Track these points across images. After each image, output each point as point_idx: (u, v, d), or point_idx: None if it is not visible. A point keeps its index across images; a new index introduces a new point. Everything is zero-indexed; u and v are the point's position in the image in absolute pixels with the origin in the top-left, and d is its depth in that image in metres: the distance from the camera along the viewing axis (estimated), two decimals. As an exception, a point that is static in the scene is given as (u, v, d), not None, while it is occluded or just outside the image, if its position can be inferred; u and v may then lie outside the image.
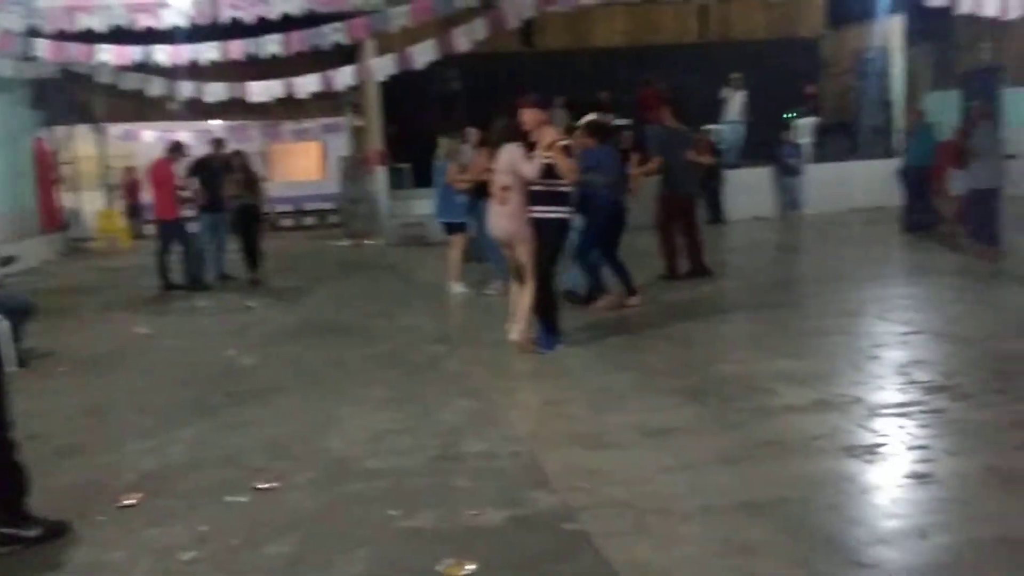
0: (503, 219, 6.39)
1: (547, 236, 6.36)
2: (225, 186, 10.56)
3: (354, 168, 15.79)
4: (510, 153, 6.31)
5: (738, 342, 6.57)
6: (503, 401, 5.46)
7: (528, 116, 6.38)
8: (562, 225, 6.48)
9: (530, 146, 6.26)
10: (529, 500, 3.87)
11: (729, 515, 3.61)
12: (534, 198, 6.32)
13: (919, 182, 11.72)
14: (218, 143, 11.30)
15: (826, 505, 3.68)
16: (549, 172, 6.25)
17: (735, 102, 15.31)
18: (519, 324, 6.42)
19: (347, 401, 5.60)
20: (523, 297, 6.41)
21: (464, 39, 12.58)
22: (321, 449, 4.70)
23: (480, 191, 8.56)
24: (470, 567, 3.27)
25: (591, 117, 8.09)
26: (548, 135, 6.29)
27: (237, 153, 11.34)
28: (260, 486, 4.18)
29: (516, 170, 6.25)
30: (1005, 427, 4.44)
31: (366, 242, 14.65)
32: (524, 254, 6.35)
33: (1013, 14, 13.35)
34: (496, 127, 6.75)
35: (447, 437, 4.76)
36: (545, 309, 6.46)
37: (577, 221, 7.66)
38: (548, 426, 5.05)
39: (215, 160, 10.91)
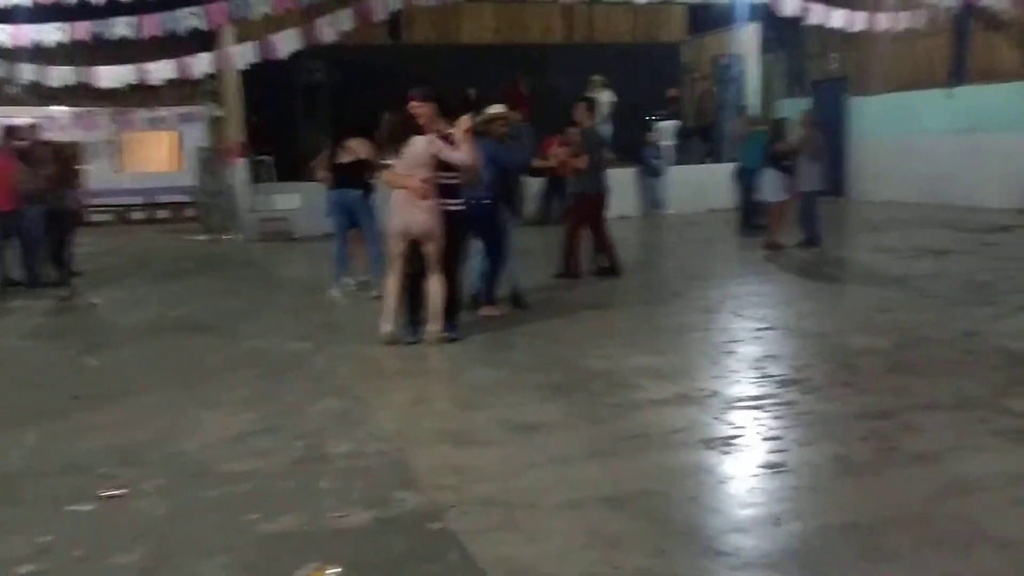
0: (422, 213, 6.23)
1: (454, 229, 6.38)
2: (29, 180, 9.58)
3: (212, 159, 15.21)
4: (427, 145, 6.20)
5: (605, 338, 6.68)
6: (370, 400, 5.36)
7: (421, 110, 6.31)
8: (461, 217, 6.47)
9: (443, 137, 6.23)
10: (396, 500, 3.80)
11: (595, 508, 3.65)
12: (440, 191, 6.27)
13: (751, 185, 12.29)
14: (27, 131, 10.42)
15: (686, 496, 3.77)
16: (447, 164, 6.22)
17: (601, 103, 15.62)
18: (434, 321, 6.34)
19: (204, 403, 5.36)
20: (436, 293, 6.32)
21: (329, 30, 12.31)
22: (175, 453, 4.47)
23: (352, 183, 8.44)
24: (334, 571, 3.17)
25: (495, 109, 7.76)
26: (461, 122, 6.28)
27: (46, 143, 10.48)
28: (106, 493, 3.93)
29: (442, 158, 6.18)
30: (851, 418, 4.68)
31: (224, 237, 14.14)
32: (434, 248, 6.27)
33: (858, 26, 14.18)
34: (389, 121, 6.56)
35: (311, 438, 4.62)
36: (450, 304, 6.43)
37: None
38: (416, 424, 4.98)
39: (32, 150, 10.06)
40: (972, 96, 14.63)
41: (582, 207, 9.06)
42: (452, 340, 6.42)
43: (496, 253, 7.43)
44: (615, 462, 4.17)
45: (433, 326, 6.36)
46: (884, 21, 14.11)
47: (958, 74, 14.98)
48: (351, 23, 12.30)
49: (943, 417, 4.60)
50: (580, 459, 4.21)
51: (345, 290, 8.64)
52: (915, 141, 15.65)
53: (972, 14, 14.13)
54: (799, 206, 10.66)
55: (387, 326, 6.40)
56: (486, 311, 7.40)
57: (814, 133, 10.75)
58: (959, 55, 14.94)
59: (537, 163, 8.66)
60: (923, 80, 15.64)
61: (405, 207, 6.25)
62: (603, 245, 9.23)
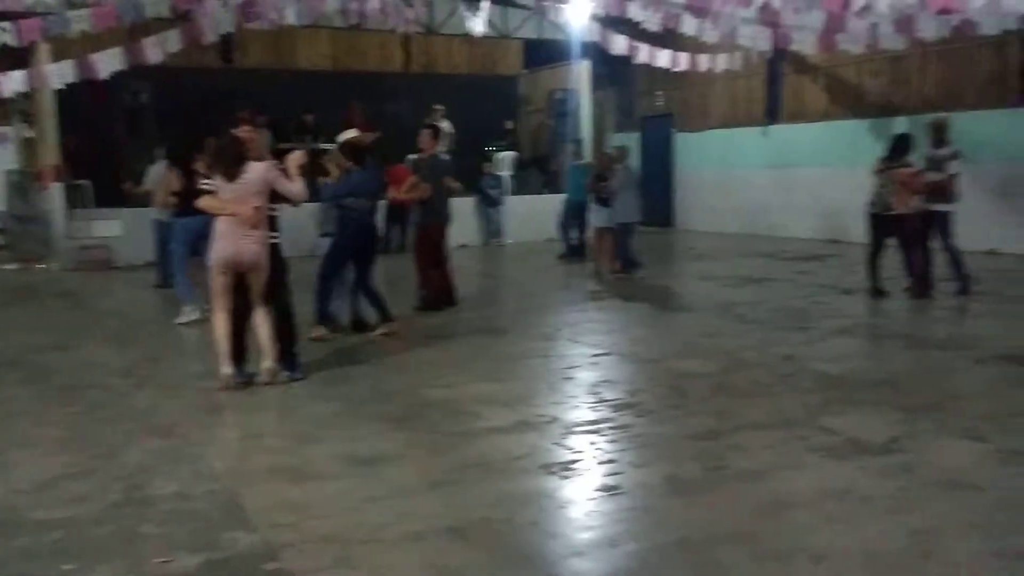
0: (253, 243, 5.90)
1: (279, 261, 6.15)
2: None
3: (23, 183, 14.19)
4: (265, 172, 5.95)
5: (444, 368, 6.66)
6: (198, 437, 5.10)
7: (250, 135, 6.10)
8: (281, 250, 6.26)
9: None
10: (227, 541, 3.61)
11: (436, 540, 3.61)
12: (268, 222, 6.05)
13: (576, 215, 12.71)
14: None
15: (527, 522, 3.79)
16: (275, 196, 6.02)
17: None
18: (266, 357, 6.04)
19: (13, 444, 4.94)
20: (263, 327, 6.03)
21: (156, 50, 11.77)
22: (-23, 501, 4.09)
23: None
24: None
25: (349, 135, 7.64)
26: (295, 156, 6.14)
27: None
28: None
29: (277, 189, 5.95)
30: (682, 439, 4.86)
31: (38, 266, 13.18)
32: (261, 280, 6.00)
33: (682, 66, 14.94)
34: (218, 145, 6.28)
35: (133, 479, 4.34)
36: (284, 338, 6.17)
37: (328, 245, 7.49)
38: (248, 461, 4.77)
39: None
40: (785, 134, 15.74)
41: (427, 236, 8.97)
42: (294, 380, 6.16)
43: (366, 278, 7.56)
44: (456, 492, 4.15)
45: (267, 363, 6.06)
46: (705, 62, 14.94)
47: (772, 113, 16.09)
48: (179, 44, 11.81)
49: (765, 436, 4.85)
50: (421, 490, 4.16)
51: (196, 316, 8.25)
52: (734, 175, 16.66)
53: (783, 59, 15.20)
54: (615, 236, 11.07)
55: (226, 369, 5.97)
56: (317, 333, 7.40)
57: (626, 168, 11.26)
58: (773, 96, 16.05)
59: (392, 193, 8.63)
60: (741, 118, 16.68)
61: (232, 236, 5.87)
62: (445, 275, 9.20)
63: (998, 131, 11.99)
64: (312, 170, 6.85)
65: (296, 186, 6.05)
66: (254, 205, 5.88)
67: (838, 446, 4.64)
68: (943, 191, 8.86)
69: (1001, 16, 10.09)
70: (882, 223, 9.00)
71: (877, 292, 9.05)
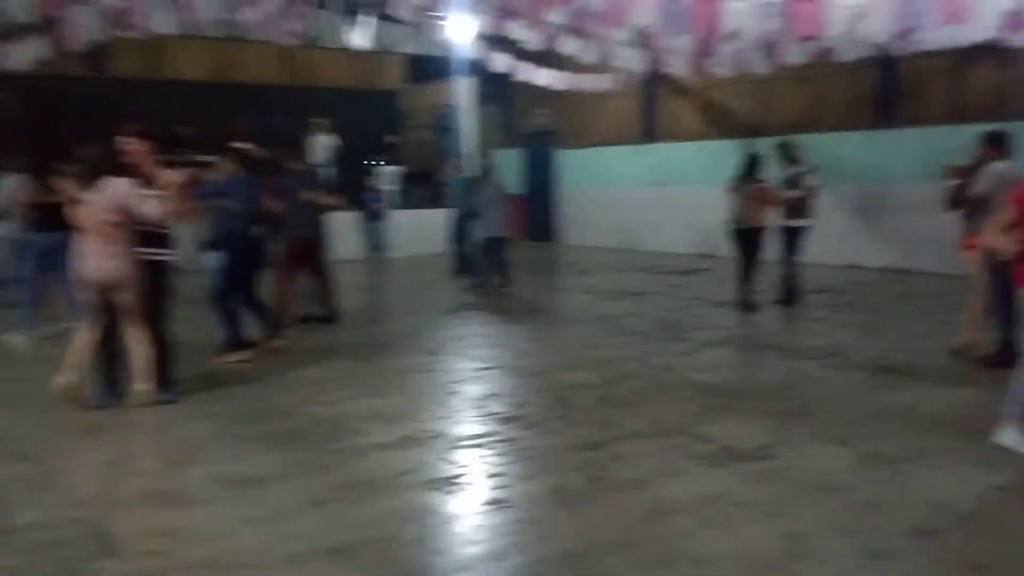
0: (106, 260, 5.62)
1: (156, 279, 5.85)
2: None
3: None
4: (120, 188, 5.66)
5: (326, 384, 6.54)
6: (60, 463, 4.84)
7: (134, 148, 5.83)
8: (167, 268, 5.99)
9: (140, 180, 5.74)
10: (94, 572, 3.44)
11: (318, 561, 3.53)
12: (141, 238, 5.75)
13: (461, 230, 12.76)
14: None
15: (412, 539, 3.77)
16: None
17: (320, 146, 15.50)
18: (143, 379, 5.74)
19: None
20: (135, 348, 5.74)
21: (19, 57, 11.17)
22: None
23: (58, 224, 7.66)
24: None
25: (241, 145, 7.48)
26: (167, 174, 5.86)
27: None
28: None
29: (131, 209, 5.65)
30: (566, 450, 4.93)
31: None
32: (129, 299, 5.71)
33: (562, 85, 15.22)
34: (91, 156, 5.97)
35: (-10, 509, 4.08)
36: (159, 359, 5.87)
37: (215, 260, 7.16)
38: (117, 486, 4.56)
39: None
40: (661, 153, 16.23)
41: (294, 251, 8.57)
42: (169, 402, 5.90)
43: (248, 288, 7.36)
44: (339, 511, 4.08)
45: (141, 385, 5.80)
46: (584, 81, 15.26)
47: (648, 132, 16.57)
48: (46, 51, 11.24)
49: (646, 445, 4.98)
50: (302, 511, 4.07)
51: (42, 338, 7.80)
52: (613, 192, 17.06)
53: (658, 80, 15.70)
54: (483, 251, 11.18)
55: (62, 378, 5.69)
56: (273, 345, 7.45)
57: (492, 184, 11.40)
58: (649, 116, 16.55)
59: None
60: (619, 137, 17.11)
61: (91, 253, 5.66)
62: (322, 290, 9.04)
63: (855, 152, 12.70)
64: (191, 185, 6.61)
65: (152, 209, 5.72)
66: (112, 221, 5.64)
67: (714, 453, 4.79)
68: (801, 207, 9.38)
69: (857, 44, 10.71)
70: (743, 237, 9.46)
71: (746, 305, 9.43)
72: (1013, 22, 8.56)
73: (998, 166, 6.47)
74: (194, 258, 8.03)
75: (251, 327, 7.53)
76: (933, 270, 11.19)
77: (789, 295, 9.55)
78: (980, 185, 6.49)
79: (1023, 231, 4.54)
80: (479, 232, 11.15)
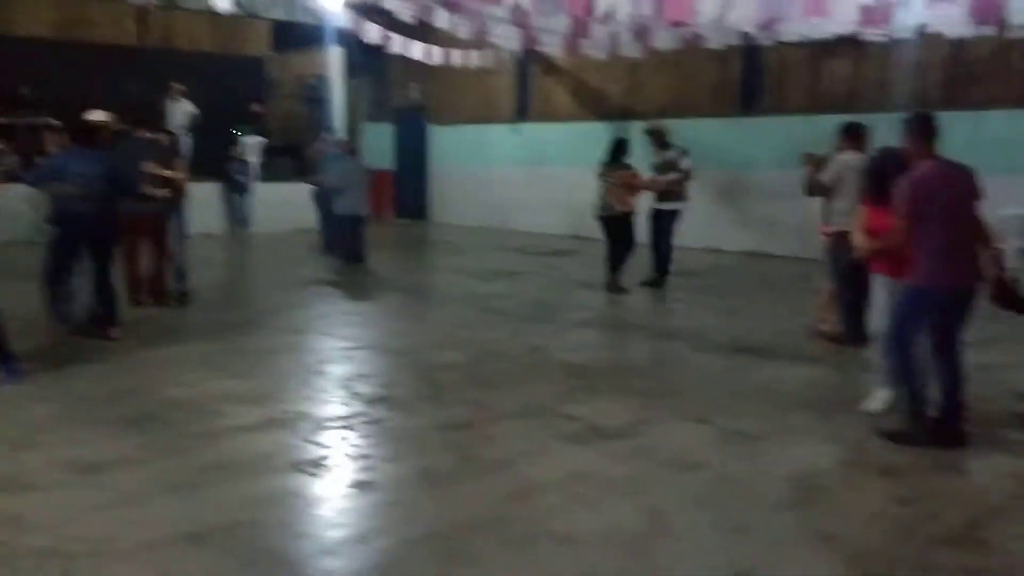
0: None
1: None
2: None
3: None
4: None
5: (187, 365, 6.24)
6: None
7: None
8: None
9: None
10: (-82, 567, 3.16)
11: (172, 548, 3.36)
12: None
13: (326, 206, 12.46)
14: None
15: (275, 523, 3.64)
16: None
17: (178, 113, 14.80)
18: None
19: None
20: None
21: None
22: None
23: None
24: None
25: (96, 115, 6.89)
26: None
27: None
28: None
29: None
30: (434, 430, 4.87)
31: None
32: None
33: (435, 60, 15.03)
34: None
35: None
36: None
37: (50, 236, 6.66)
38: (-52, 473, 4.21)
39: None
40: (535, 132, 16.31)
41: (133, 227, 7.82)
42: (11, 381, 5.49)
43: (100, 273, 6.83)
44: (196, 495, 3.89)
45: None
46: (458, 57, 15.14)
47: (522, 111, 16.62)
48: None
49: (514, 425, 4.98)
50: (155, 496, 3.86)
51: None
52: (487, 171, 17.04)
53: (533, 59, 15.75)
54: (342, 229, 10.89)
55: None
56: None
57: (351, 160, 11.10)
58: (523, 95, 16.59)
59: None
60: (493, 115, 17.09)
61: None
62: (167, 267, 8.35)
63: (720, 138, 13.11)
64: (34, 148, 6.14)
65: None
66: None
67: (581, 432, 4.85)
68: (675, 190, 9.59)
69: (725, 32, 11.03)
70: (610, 224, 9.59)
71: (615, 288, 9.59)
72: (870, 17, 8.99)
73: (844, 156, 6.77)
74: (36, 230, 7.50)
75: (94, 307, 7.08)
76: (792, 254, 11.69)
77: (660, 277, 9.75)
78: (826, 174, 6.79)
79: (895, 234, 4.69)
80: (338, 209, 10.81)
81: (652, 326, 8.31)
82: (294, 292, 9.51)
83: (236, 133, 15.80)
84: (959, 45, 10.89)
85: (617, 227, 9.56)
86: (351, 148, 11.40)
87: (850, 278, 6.18)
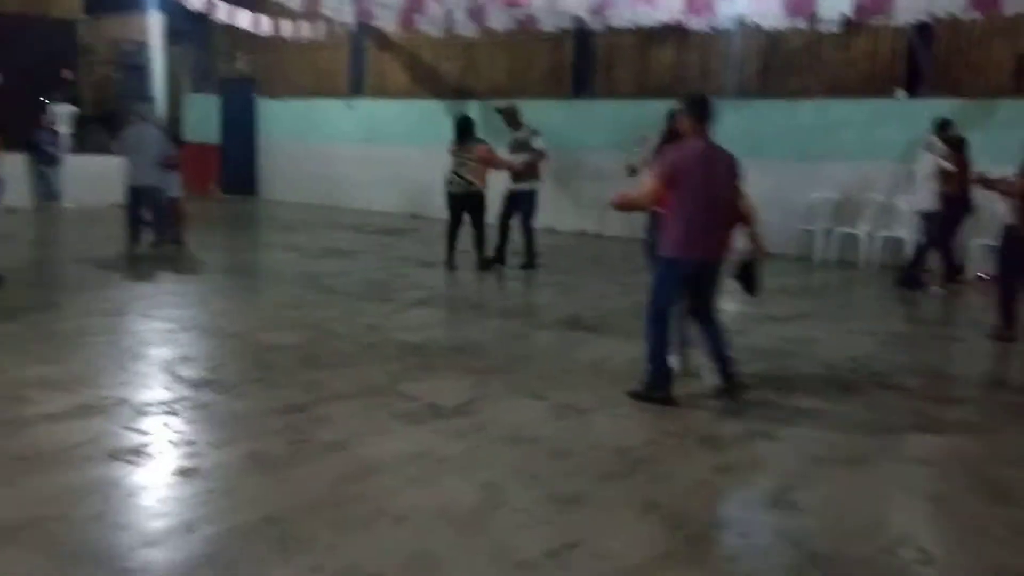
0: None
1: None
2: None
3: None
4: None
5: (-14, 348, 5.77)
6: None
7: None
8: None
9: None
10: None
11: (-28, 549, 3.09)
12: None
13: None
14: None
15: (91, 516, 3.42)
16: None
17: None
18: None
19: None
20: None
21: None
22: None
23: None
24: None
25: None
26: None
27: None
28: None
29: None
30: (265, 414, 4.72)
31: None
32: None
33: (264, 30, 14.50)
34: None
35: None
36: None
37: None
38: None
39: None
40: (369, 109, 16.04)
41: None
42: None
43: None
44: (2, 489, 3.60)
45: None
46: (288, 28, 14.66)
47: (356, 87, 16.30)
48: None
49: (349, 406, 4.90)
50: (-48, 492, 3.55)
51: None
52: (320, 146, 16.63)
53: (367, 33, 15.46)
54: (136, 202, 10.10)
55: None
56: None
57: (143, 127, 10.19)
58: (356, 70, 16.26)
59: None
60: (326, 89, 16.67)
61: None
62: None
63: (554, 120, 13.33)
64: None
65: None
66: None
67: (417, 411, 4.83)
68: (533, 170, 9.62)
69: (558, 15, 11.23)
70: (460, 201, 9.54)
71: (452, 266, 9.60)
72: (694, 7, 9.38)
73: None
74: None
75: None
76: (622, 235, 12.07)
77: (529, 258, 9.73)
78: (639, 156, 7.04)
79: (645, 195, 5.03)
80: (128, 180, 9.99)
81: (489, 305, 8.38)
82: (109, 271, 8.96)
83: (45, 101, 14.66)
84: (775, 37, 11.56)
85: (472, 205, 9.49)
86: (143, 116, 10.45)
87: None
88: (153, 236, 10.23)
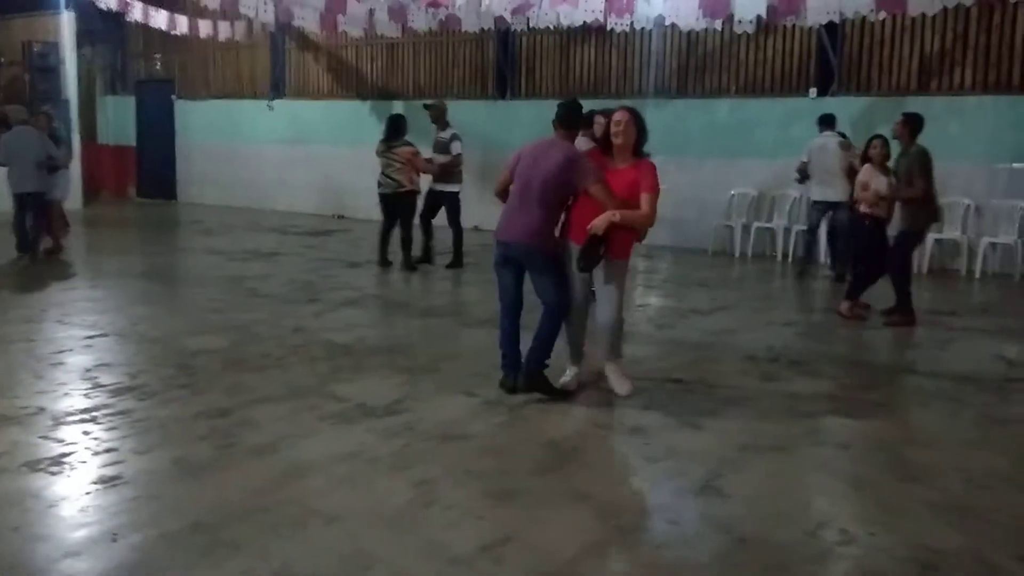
0: None
1: None
2: None
3: None
4: None
5: None
6: None
7: None
8: None
9: None
10: None
11: None
12: None
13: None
14: None
15: (7, 528, 3.30)
16: None
17: None
18: None
19: None
20: None
21: None
22: None
23: None
24: None
25: None
26: None
27: None
28: None
29: None
30: (189, 419, 4.62)
31: None
32: None
33: (181, 29, 14.17)
34: None
35: None
36: None
37: None
38: None
39: None
40: (292, 110, 15.82)
41: None
42: None
43: None
44: (-91, 506, 3.46)
45: None
46: (207, 28, 14.36)
47: (277, 88, 16.06)
48: None
49: (277, 409, 4.83)
50: None
51: None
52: (241, 148, 16.35)
53: (287, 34, 15.25)
54: (18, 210, 9.77)
55: None
56: None
57: (31, 132, 9.82)
58: (277, 70, 16.02)
59: None
60: (246, 90, 16.39)
61: None
62: None
63: (478, 120, 13.37)
64: None
65: None
66: None
67: (347, 412, 4.79)
68: (451, 171, 9.64)
69: (480, 15, 11.25)
70: (389, 201, 9.52)
71: (385, 263, 9.57)
72: (614, 7, 9.50)
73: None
74: None
75: None
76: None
77: (456, 257, 9.73)
78: None
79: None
80: (12, 188, 9.62)
81: (417, 304, 8.35)
82: (20, 278, 8.65)
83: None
84: (693, 37, 11.80)
85: (400, 206, 9.49)
86: (23, 119, 9.95)
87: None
88: (18, 246, 9.76)
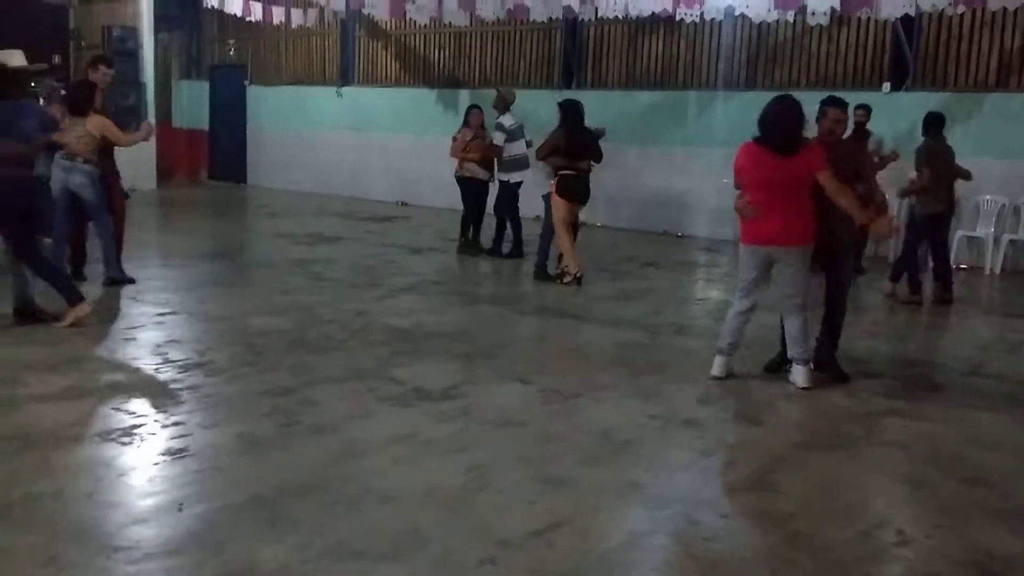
0: None
1: None
2: None
3: None
4: None
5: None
6: None
7: None
8: None
9: None
10: None
11: (-36, 525, 3.14)
12: None
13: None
14: None
15: (81, 494, 3.46)
16: None
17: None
18: None
19: None
20: None
21: None
22: None
23: None
24: None
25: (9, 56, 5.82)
26: None
27: None
28: None
29: None
30: (254, 396, 4.76)
31: None
32: None
33: (255, 16, 14.45)
34: None
35: None
36: None
37: None
38: None
39: None
40: (359, 96, 16.03)
41: None
42: None
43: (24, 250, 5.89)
44: (-10, 469, 3.64)
45: None
46: (279, 15, 14.62)
47: (346, 75, 16.28)
48: None
49: (338, 389, 4.95)
50: (-57, 470, 3.58)
51: None
52: (309, 134, 16.61)
53: (357, 21, 15.44)
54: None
55: None
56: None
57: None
58: (346, 57, 16.24)
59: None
60: (316, 76, 16.65)
61: None
62: None
63: (544, 110, 13.30)
64: None
65: None
66: None
67: (405, 395, 4.88)
68: (488, 162, 9.77)
69: (549, 4, 11.25)
70: (465, 186, 9.81)
71: (467, 250, 9.82)
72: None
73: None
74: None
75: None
76: (609, 224, 12.11)
77: (516, 247, 9.82)
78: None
79: None
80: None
81: (476, 291, 8.43)
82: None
83: (34, 86, 14.59)
84: (763, 29, 11.62)
85: (471, 191, 9.78)
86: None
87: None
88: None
